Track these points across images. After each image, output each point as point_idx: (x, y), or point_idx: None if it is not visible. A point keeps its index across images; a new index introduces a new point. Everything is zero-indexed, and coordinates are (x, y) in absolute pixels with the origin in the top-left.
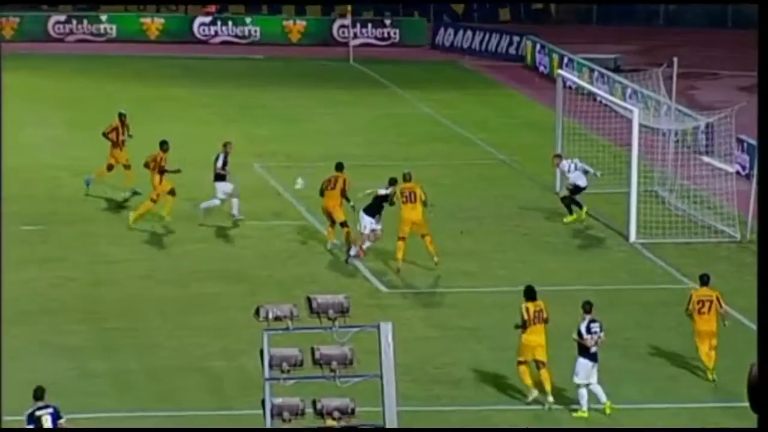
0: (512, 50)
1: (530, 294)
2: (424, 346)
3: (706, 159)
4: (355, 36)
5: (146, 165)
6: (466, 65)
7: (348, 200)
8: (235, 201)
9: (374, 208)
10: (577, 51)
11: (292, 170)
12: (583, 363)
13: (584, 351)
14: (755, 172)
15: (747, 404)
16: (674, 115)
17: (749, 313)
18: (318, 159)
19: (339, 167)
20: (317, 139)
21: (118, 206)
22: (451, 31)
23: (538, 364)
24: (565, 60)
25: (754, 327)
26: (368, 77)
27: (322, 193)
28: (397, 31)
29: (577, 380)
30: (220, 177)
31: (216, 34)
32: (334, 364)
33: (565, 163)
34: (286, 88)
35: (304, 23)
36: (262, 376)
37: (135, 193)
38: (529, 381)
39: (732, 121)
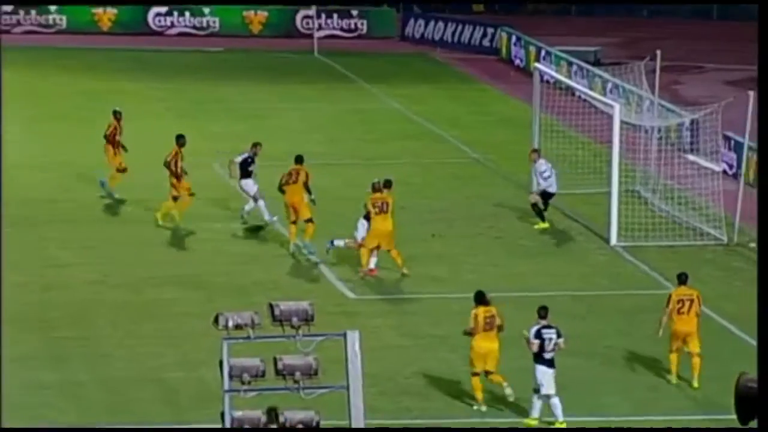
0: (486, 42)
1: (480, 299)
2: (393, 355)
3: (691, 157)
4: (320, 27)
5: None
6: (437, 58)
7: (310, 193)
8: (251, 204)
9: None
10: (554, 43)
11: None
12: (542, 371)
13: (539, 358)
14: (743, 171)
15: (733, 416)
16: (657, 110)
17: (738, 321)
18: (280, 157)
19: (299, 160)
20: (279, 136)
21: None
22: (421, 22)
23: (487, 373)
24: (542, 53)
25: (743, 335)
26: (334, 71)
27: (281, 189)
28: (365, 22)
29: (544, 391)
30: (246, 174)
31: (172, 25)
32: (297, 374)
33: (543, 163)
34: (247, 82)
35: (265, 14)
36: (221, 388)
37: (111, 195)
38: (480, 395)
39: (718, 118)
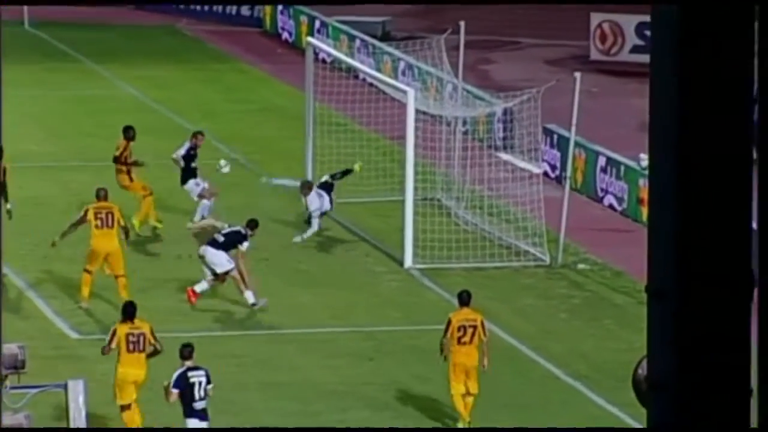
0: (245, 11)
1: (128, 312)
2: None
3: (504, 156)
4: None
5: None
6: (183, 31)
7: (6, 200)
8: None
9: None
10: (332, 12)
11: None
12: (191, 424)
13: (189, 409)
14: (568, 173)
15: None
16: (462, 97)
17: (565, 364)
18: None
19: None
20: None
21: None
22: None
23: (123, 408)
24: (317, 24)
25: (569, 380)
26: (50, 47)
27: None
28: None
29: None
30: (189, 174)
31: None
32: None
33: (314, 198)
34: None
35: None
36: None
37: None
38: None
39: (538, 106)
